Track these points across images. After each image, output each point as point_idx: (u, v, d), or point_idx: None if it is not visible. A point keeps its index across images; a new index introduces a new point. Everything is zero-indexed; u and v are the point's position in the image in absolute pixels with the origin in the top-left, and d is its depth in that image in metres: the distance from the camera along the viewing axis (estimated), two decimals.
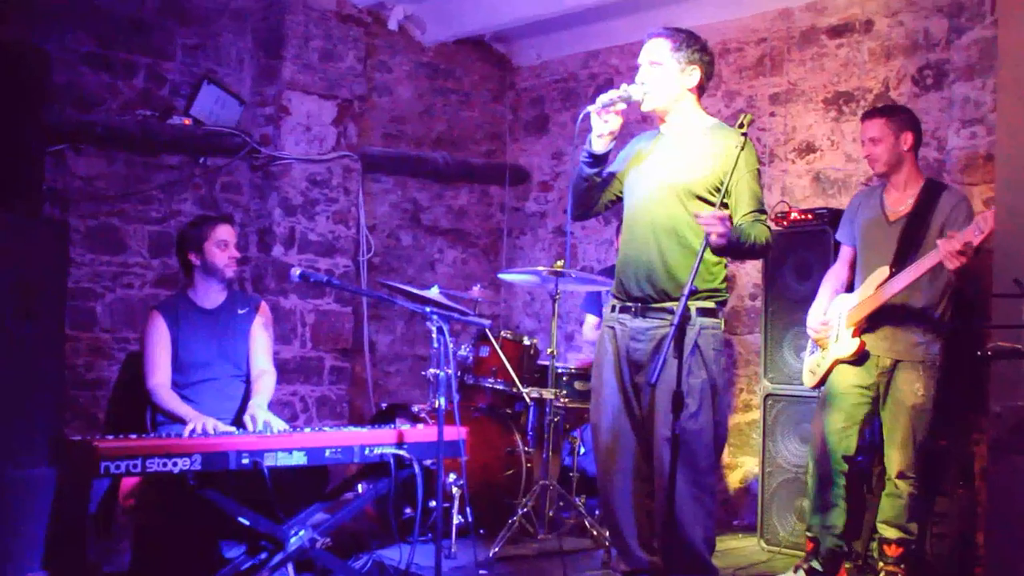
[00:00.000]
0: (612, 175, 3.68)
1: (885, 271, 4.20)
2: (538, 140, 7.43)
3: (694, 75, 3.58)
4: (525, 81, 7.53)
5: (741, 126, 3.36)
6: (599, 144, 3.52)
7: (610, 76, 6.95)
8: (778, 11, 6.06)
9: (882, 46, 5.62)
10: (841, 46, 5.79)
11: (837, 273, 4.52)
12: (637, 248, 3.53)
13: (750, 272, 6.04)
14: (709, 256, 3.43)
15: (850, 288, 4.45)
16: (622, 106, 3.48)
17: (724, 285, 3.56)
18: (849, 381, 4.31)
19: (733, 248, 3.30)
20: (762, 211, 3.45)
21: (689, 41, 3.57)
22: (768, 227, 3.44)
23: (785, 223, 5.21)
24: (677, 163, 3.53)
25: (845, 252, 4.52)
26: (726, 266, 3.57)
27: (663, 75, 3.54)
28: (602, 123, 3.47)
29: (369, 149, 6.66)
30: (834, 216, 4.88)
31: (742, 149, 3.32)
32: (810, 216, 5.13)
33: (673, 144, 3.54)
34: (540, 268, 4.99)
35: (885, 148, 4.32)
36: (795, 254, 5.14)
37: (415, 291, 4.96)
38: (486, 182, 7.39)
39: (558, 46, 7.20)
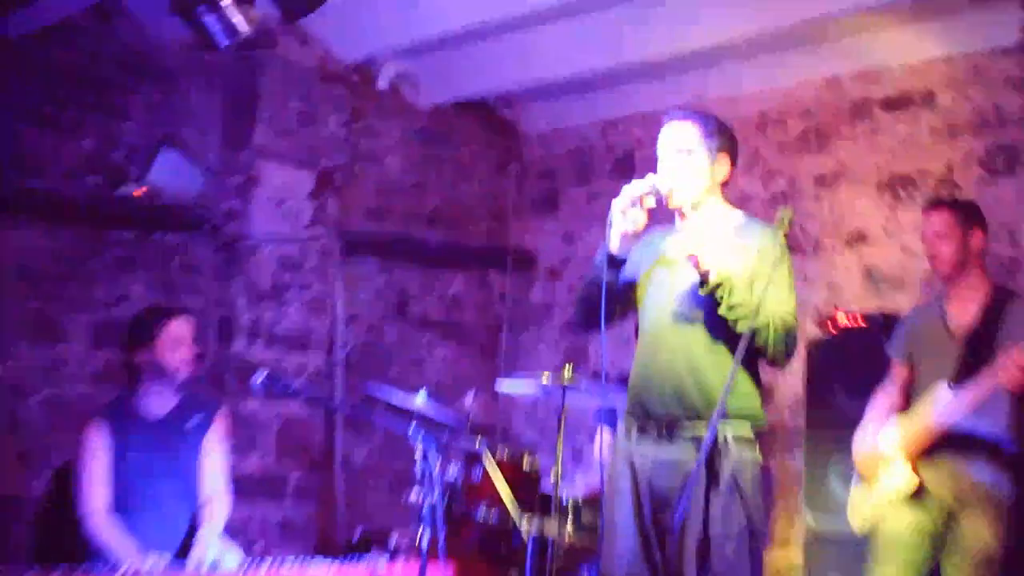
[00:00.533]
0: (628, 282, 3.68)
1: (945, 392, 4.21)
2: (546, 220, 7.46)
3: (725, 165, 3.63)
4: (533, 152, 7.60)
5: (780, 222, 3.37)
6: (621, 245, 3.52)
7: (631, 148, 7.02)
8: (825, 80, 6.11)
9: (945, 123, 5.65)
10: (898, 121, 5.85)
11: (889, 393, 4.54)
12: (661, 360, 3.53)
13: (791, 383, 5.97)
14: (744, 378, 3.44)
15: (905, 411, 4.46)
16: (651, 203, 3.49)
17: (763, 414, 3.54)
18: (904, 524, 4.28)
19: (734, 307, 3.31)
20: (791, 301, 3.47)
21: (720, 127, 3.62)
22: (794, 327, 3.43)
23: (832, 328, 5.24)
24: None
25: (899, 370, 4.53)
26: (759, 383, 3.53)
27: (693, 166, 3.57)
28: (627, 221, 3.47)
29: (351, 227, 6.69)
30: (889, 322, 4.90)
31: (778, 262, 3.33)
32: (861, 321, 5.16)
33: (698, 244, 3.51)
34: (544, 376, 4.95)
35: (951, 247, 4.35)
36: (844, 365, 5.13)
37: (397, 403, 4.97)
38: (485, 267, 7.41)
39: (572, 113, 7.25)
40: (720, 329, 3.44)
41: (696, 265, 3.34)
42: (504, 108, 7.49)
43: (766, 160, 6.33)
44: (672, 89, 6.51)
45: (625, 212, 3.45)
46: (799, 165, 6.20)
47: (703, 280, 3.36)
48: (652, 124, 7.70)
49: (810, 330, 5.69)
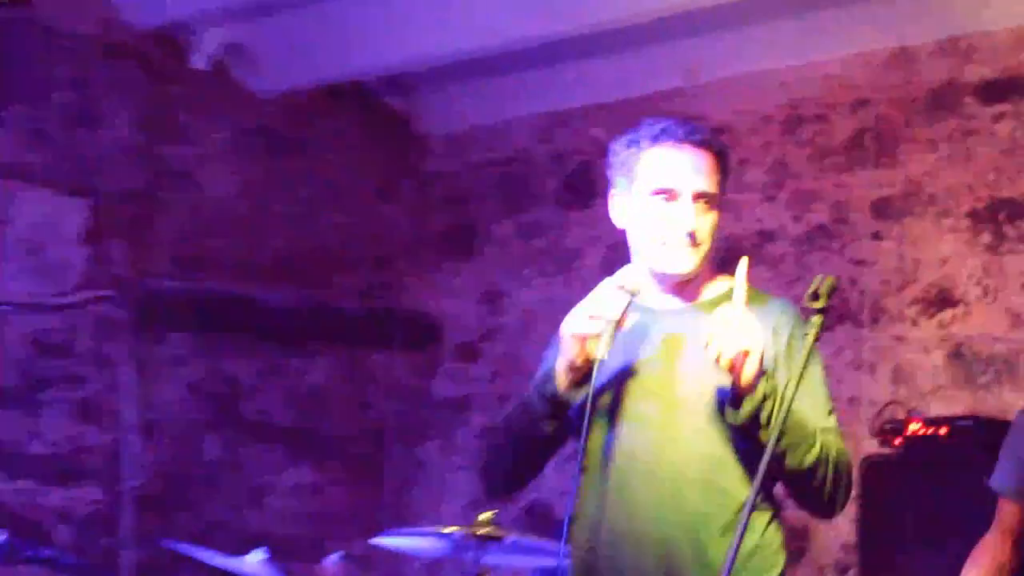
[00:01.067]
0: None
1: None
2: (458, 269, 7.51)
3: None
4: (437, 163, 7.69)
5: (816, 298, 3.29)
6: (569, 384, 3.57)
7: (587, 157, 7.02)
8: (889, 53, 6.21)
9: None
10: (1002, 118, 5.88)
11: (992, 549, 4.47)
12: (639, 517, 3.58)
13: (838, 524, 5.83)
14: (767, 530, 3.57)
15: None
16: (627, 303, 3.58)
17: None
18: None
19: (769, 435, 3.33)
20: (831, 414, 3.63)
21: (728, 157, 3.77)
22: (849, 458, 3.57)
23: (898, 440, 5.34)
24: (704, 368, 3.53)
25: (1009, 512, 4.48)
26: (780, 526, 3.66)
27: (715, 224, 3.68)
28: (580, 346, 3.51)
29: (150, 286, 6.66)
30: (990, 432, 4.91)
31: (809, 359, 3.32)
32: (945, 430, 5.23)
33: (692, 334, 3.59)
34: (448, 529, 4.90)
35: None
36: (918, 497, 5.24)
37: (219, 567, 5.05)
38: (362, 343, 7.42)
39: (496, 104, 7.34)
40: (746, 467, 3.53)
41: (735, 371, 3.37)
42: (392, 96, 7.54)
43: (797, 177, 6.40)
44: (649, 68, 6.62)
45: (585, 336, 3.50)
46: (849, 186, 6.25)
47: (738, 393, 3.40)
48: (620, 123, 7.41)
49: (865, 445, 5.74)
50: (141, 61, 6.57)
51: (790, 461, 3.41)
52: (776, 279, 6.26)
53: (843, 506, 3.54)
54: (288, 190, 7.20)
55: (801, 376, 3.28)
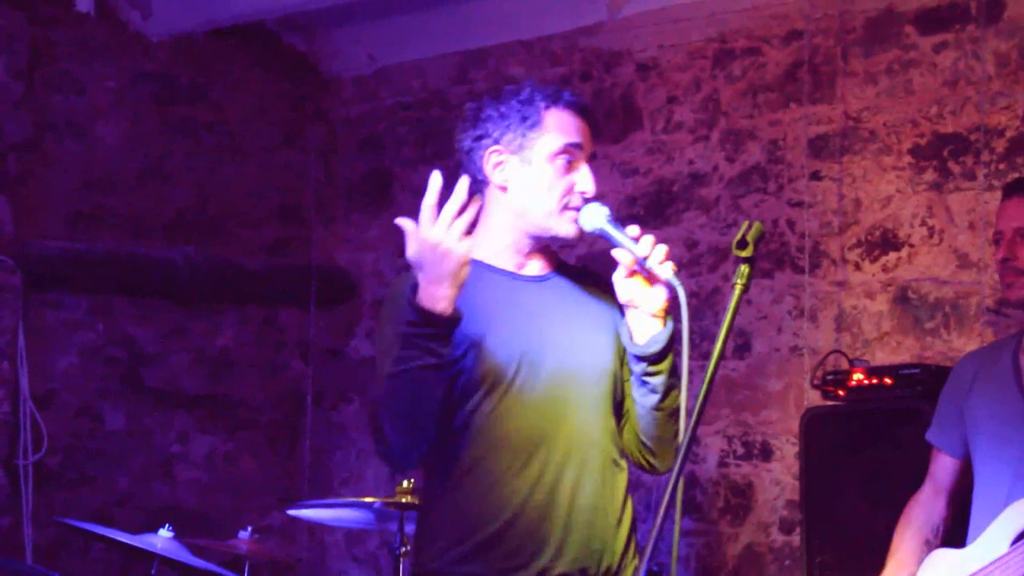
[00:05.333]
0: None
1: None
2: (372, 220, 7.48)
3: None
4: (347, 108, 7.66)
5: (743, 246, 3.34)
6: (447, 300, 3.58)
7: None
8: None
9: (1022, 49, 5.71)
10: (943, 47, 5.89)
11: (926, 506, 4.61)
12: (518, 492, 3.66)
13: (781, 479, 6.05)
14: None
15: (955, 538, 4.49)
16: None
17: None
18: None
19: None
20: None
21: None
22: None
23: (840, 392, 5.37)
24: (586, 331, 3.73)
25: (945, 466, 4.60)
26: None
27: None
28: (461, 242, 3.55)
29: (37, 247, 6.63)
30: (939, 380, 4.91)
31: (741, 292, 3.35)
32: (888, 380, 5.27)
33: (565, 293, 3.79)
34: (370, 499, 5.04)
35: None
36: (861, 451, 5.29)
37: (125, 543, 4.97)
38: (272, 302, 7.42)
39: (408, 41, 7.29)
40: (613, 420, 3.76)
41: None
42: (295, 37, 7.51)
43: (728, 115, 6.38)
44: (569, 1, 6.64)
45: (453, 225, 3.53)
46: (784, 123, 6.25)
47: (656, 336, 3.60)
48: (540, 60, 7.22)
49: (808, 396, 5.83)
50: (21, 4, 6.50)
51: (671, 401, 3.56)
52: (710, 224, 6.35)
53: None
54: (186, 140, 7.15)
55: (728, 326, 3.27)
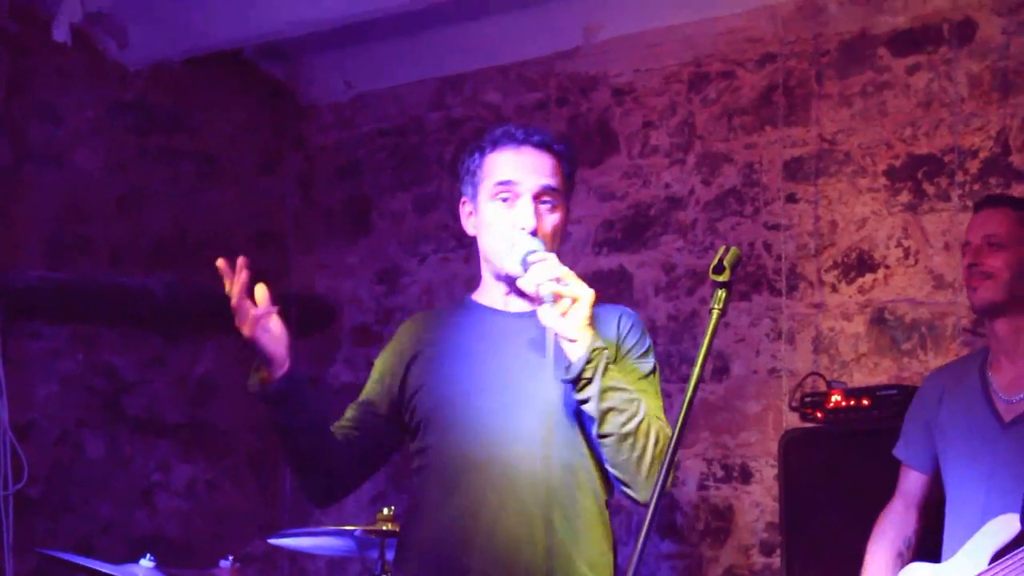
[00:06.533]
0: (369, 409, 3.98)
1: (1009, 526, 4.25)
2: (351, 247, 7.50)
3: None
4: (324, 135, 7.67)
5: (719, 271, 3.36)
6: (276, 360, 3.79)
7: (483, 125, 6.96)
8: (797, 3, 6.19)
9: (995, 70, 5.71)
10: (917, 69, 5.90)
11: (897, 520, 4.66)
12: (499, 523, 3.71)
13: (760, 501, 6.07)
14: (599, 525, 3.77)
15: (927, 552, 4.51)
16: None
17: None
18: None
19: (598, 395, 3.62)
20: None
21: (575, 163, 3.97)
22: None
23: (819, 414, 5.39)
24: (550, 364, 3.70)
25: (914, 480, 4.66)
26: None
27: (560, 224, 3.88)
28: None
29: (16, 278, 6.61)
30: (910, 400, 4.99)
31: (718, 317, 3.37)
32: (866, 401, 5.28)
33: (537, 339, 3.75)
34: (351, 527, 5.02)
35: (1011, 261, 4.51)
36: (840, 472, 5.31)
37: (105, 569, 4.88)
38: None
39: (385, 68, 7.33)
40: (600, 472, 3.77)
41: (564, 315, 3.59)
42: (272, 65, 7.53)
43: (704, 138, 6.39)
44: (545, 27, 6.63)
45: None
46: (759, 146, 6.26)
47: (570, 343, 3.60)
48: (517, 86, 7.28)
49: (787, 418, 5.85)
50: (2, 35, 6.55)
51: (608, 425, 3.57)
52: (687, 248, 6.36)
53: (647, 494, 3.55)
54: (165, 168, 7.14)
55: (706, 350, 3.32)
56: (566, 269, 3.64)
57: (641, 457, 3.59)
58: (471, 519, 3.71)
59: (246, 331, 3.65)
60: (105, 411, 6.87)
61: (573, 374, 3.56)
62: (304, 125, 7.60)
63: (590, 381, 3.55)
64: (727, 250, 3.33)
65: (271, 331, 3.67)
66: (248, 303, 3.65)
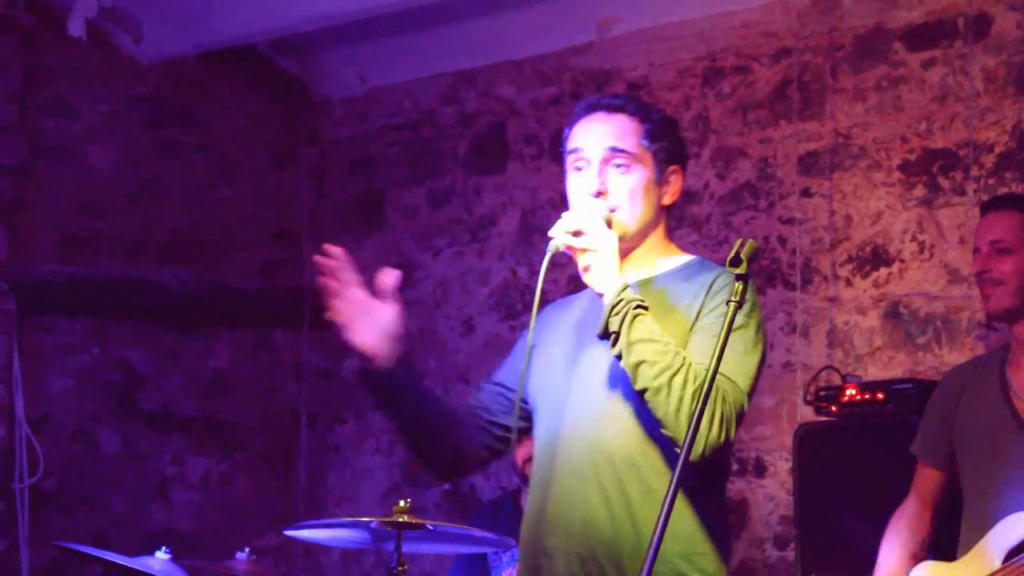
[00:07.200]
0: (498, 390, 3.92)
1: (1018, 525, 4.29)
2: (365, 241, 7.42)
3: (674, 183, 3.86)
4: (337, 129, 7.63)
5: (736, 263, 3.36)
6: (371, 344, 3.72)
7: (499, 118, 7.07)
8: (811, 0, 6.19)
9: (1010, 64, 5.71)
10: (932, 63, 5.90)
11: (912, 521, 4.65)
12: (568, 498, 3.70)
13: (775, 495, 6.06)
14: (686, 510, 3.60)
15: (942, 551, 4.52)
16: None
17: (720, 567, 3.68)
18: None
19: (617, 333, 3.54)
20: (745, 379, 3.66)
21: (668, 123, 3.84)
22: (736, 404, 3.59)
23: (833, 408, 5.37)
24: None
25: (929, 478, 4.65)
26: (719, 515, 3.75)
27: (637, 185, 3.73)
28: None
29: (31, 272, 6.65)
30: (928, 395, 4.97)
31: (734, 309, 3.40)
32: (880, 395, 5.26)
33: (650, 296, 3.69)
34: (366, 519, 4.80)
35: (1020, 266, 4.51)
36: (854, 466, 5.30)
37: (120, 561, 4.94)
38: (266, 324, 7.43)
39: (398, 62, 7.28)
40: (664, 461, 3.63)
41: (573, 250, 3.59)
42: (286, 59, 7.51)
43: (719, 133, 6.38)
44: (559, 22, 6.62)
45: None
46: (774, 140, 6.25)
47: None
48: (531, 80, 7.28)
49: (801, 412, 5.84)
50: (13, 30, 6.51)
51: (641, 381, 3.45)
52: (701, 241, 6.35)
53: (707, 449, 3.46)
54: (179, 163, 7.15)
55: (723, 342, 3.33)
56: (591, 221, 3.58)
57: (678, 411, 3.47)
58: (549, 500, 3.69)
59: (336, 317, 3.62)
60: (119, 405, 6.88)
61: (600, 329, 3.50)
62: (317, 120, 7.58)
63: (618, 335, 3.47)
64: (744, 242, 3.35)
65: (374, 317, 3.61)
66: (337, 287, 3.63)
